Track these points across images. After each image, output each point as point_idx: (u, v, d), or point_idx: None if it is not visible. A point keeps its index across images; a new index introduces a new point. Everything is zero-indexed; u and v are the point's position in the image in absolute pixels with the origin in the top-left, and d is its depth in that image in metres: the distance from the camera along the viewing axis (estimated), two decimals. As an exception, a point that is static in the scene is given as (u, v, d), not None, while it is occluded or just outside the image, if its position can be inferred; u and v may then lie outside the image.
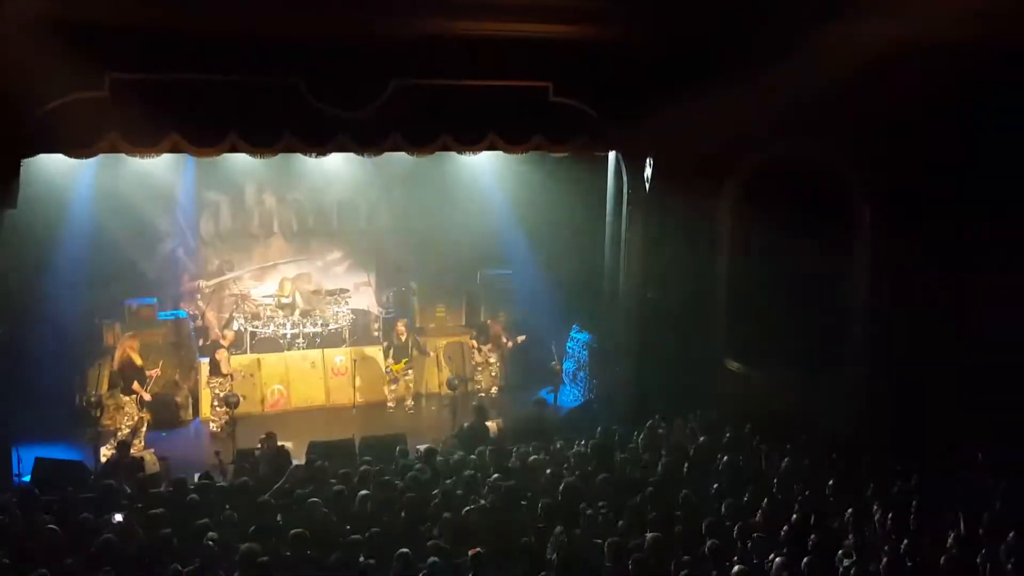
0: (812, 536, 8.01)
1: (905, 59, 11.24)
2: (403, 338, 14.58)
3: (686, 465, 10.24)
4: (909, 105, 11.57)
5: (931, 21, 10.81)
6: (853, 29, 11.26)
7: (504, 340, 15.15)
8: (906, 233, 12.28)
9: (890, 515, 8.62)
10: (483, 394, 14.87)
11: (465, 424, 12.38)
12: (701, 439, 11.02)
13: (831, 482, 9.53)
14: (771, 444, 10.86)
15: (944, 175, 12.06)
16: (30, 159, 11.20)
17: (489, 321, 15.38)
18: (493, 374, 15.24)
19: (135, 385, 12.48)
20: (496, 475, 9.70)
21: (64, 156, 11.51)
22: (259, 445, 11.29)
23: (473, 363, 15.25)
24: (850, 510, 8.69)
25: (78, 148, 11.27)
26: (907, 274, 12.32)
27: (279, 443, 11.41)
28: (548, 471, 10.04)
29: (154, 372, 12.95)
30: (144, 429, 12.60)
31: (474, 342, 15.16)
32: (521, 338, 15.11)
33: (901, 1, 10.97)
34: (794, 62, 11.30)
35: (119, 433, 12.22)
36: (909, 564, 7.71)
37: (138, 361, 12.68)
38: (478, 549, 7.70)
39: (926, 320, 12.27)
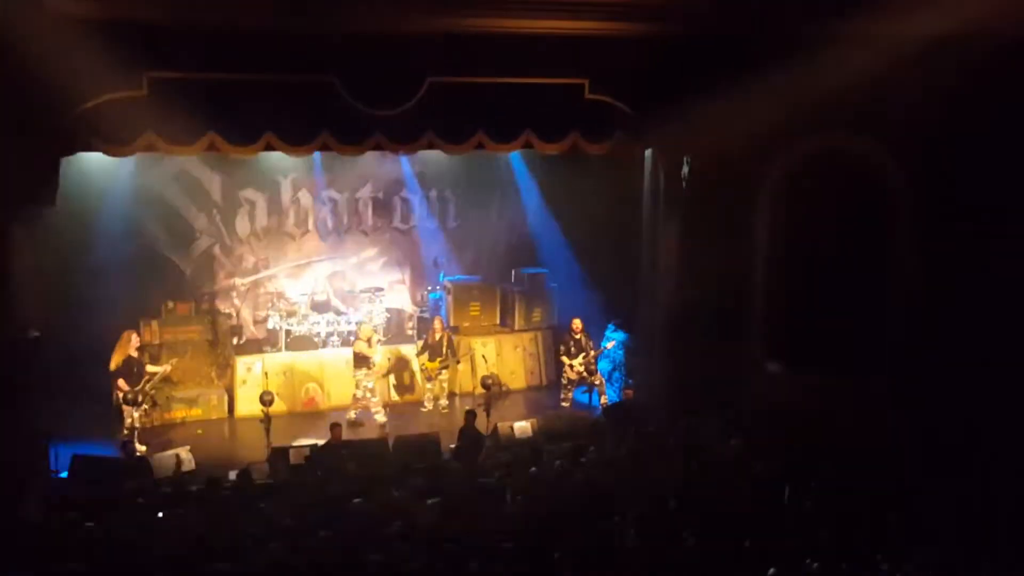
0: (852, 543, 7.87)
1: (946, 53, 11.03)
2: (438, 336, 14.52)
3: (719, 469, 10.12)
4: (950, 100, 11.38)
5: (973, 14, 10.62)
6: (892, 22, 11.08)
7: (587, 343, 14.44)
8: (948, 229, 12.06)
9: (930, 525, 8.45)
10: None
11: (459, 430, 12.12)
12: (733, 442, 10.86)
13: (870, 489, 9.35)
14: (809, 449, 10.69)
15: (985, 170, 11.83)
16: (68, 157, 11.29)
17: (572, 323, 14.60)
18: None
19: (120, 382, 12.46)
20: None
21: (102, 154, 11.59)
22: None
23: (565, 379, 14.66)
24: (891, 518, 8.52)
25: (116, 147, 11.36)
26: (949, 271, 12.09)
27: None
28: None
29: (165, 368, 13.01)
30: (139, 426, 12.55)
31: (565, 357, 14.58)
32: (611, 344, 14.60)
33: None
34: (832, 56, 11.17)
35: (123, 433, 12.27)
36: None
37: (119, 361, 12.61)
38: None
39: (970, 320, 12.03)
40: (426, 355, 14.44)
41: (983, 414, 11.53)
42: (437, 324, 14.59)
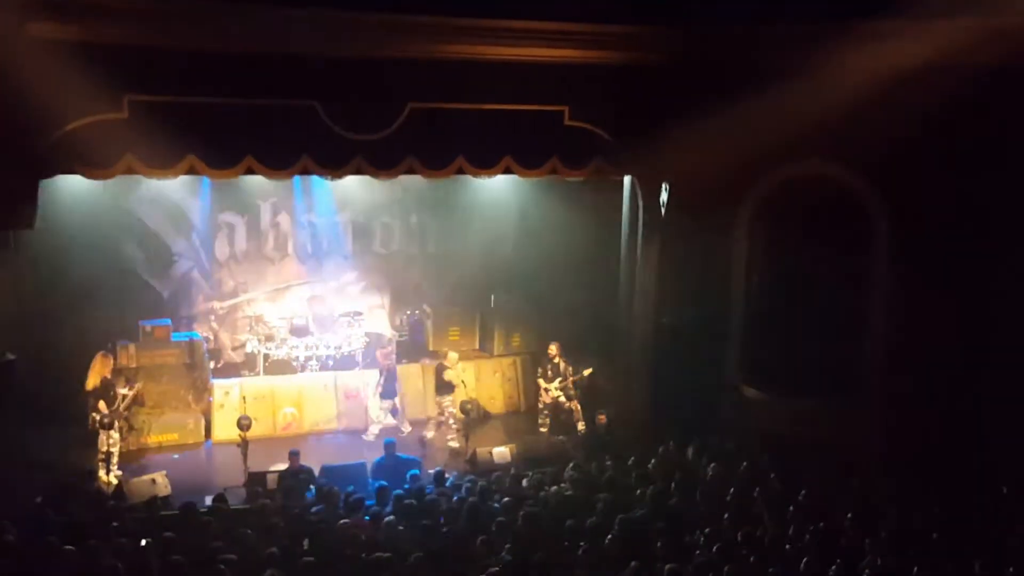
0: (833, 568, 7.92)
1: (920, 80, 11.23)
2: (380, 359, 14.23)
3: (698, 493, 10.15)
4: (926, 125, 11.58)
5: (946, 43, 10.85)
6: (869, 51, 11.29)
7: (565, 368, 14.27)
8: (924, 253, 12.23)
9: (910, 547, 8.51)
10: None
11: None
12: (711, 466, 10.92)
13: (849, 513, 9.41)
14: (788, 473, 10.75)
15: (962, 195, 12.02)
16: (48, 180, 11.25)
17: (549, 348, 14.45)
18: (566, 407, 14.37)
19: (100, 404, 12.24)
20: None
21: (82, 177, 11.56)
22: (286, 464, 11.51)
23: (542, 403, 14.49)
24: (867, 541, 8.58)
25: (96, 169, 11.34)
26: (926, 295, 12.25)
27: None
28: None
29: (137, 387, 12.87)
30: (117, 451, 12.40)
31: (541, 380, 14.44)
32: (588, 371, 14.37)
33: (915, 25, 11.01)
34: (809, 84, 11.37)
35: (98, 456, 12.14)
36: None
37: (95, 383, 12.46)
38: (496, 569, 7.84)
39: (947, 343, 12.17)
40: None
41: (964, 435, 11.68)
42: (380, 355, 14.30)
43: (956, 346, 12.20)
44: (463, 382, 14.05)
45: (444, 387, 14.00)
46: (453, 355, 14.24)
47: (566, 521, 9.16)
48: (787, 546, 8.64)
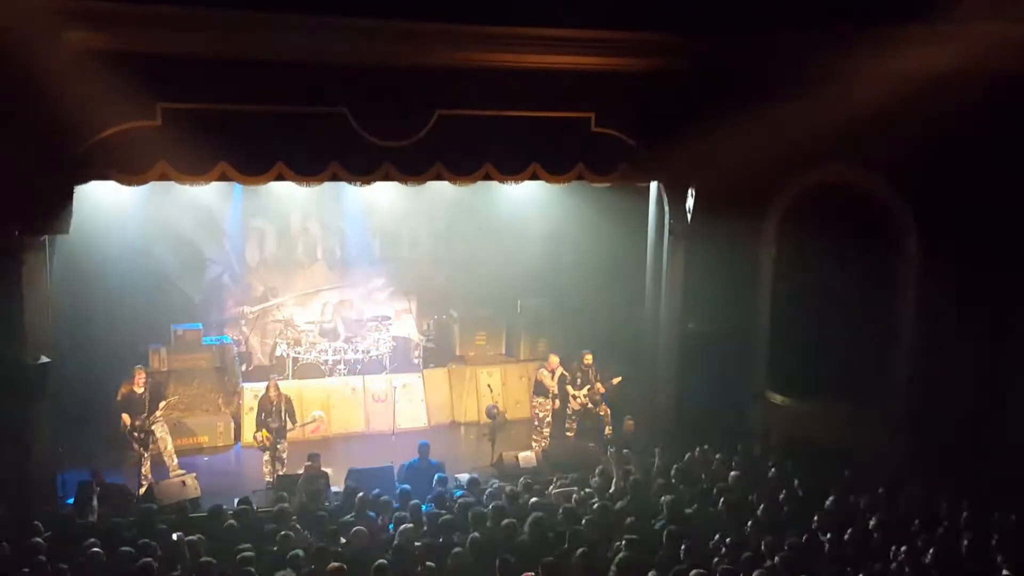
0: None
1: (949, 85, 11.18)
2: (274, 401, 12.74)
3: (723, 500, 10.14)
4: (954, 130, 11.51)
5: (974, 48, 10.80)
6: (896, 56, 11.26)
7: (594, 376, 14.00)
8: (952, 260, 12.15)
9: (937, 554, 8.47)
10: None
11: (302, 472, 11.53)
12: (734, 473, 10.90)
13: (874, 520, 9.38)
14: (814, 480, 10.72)
15: (991, 201, 11.94)
16: (82, 185, 11.46)
17: (584, 356, 14.12)
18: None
19: (124, 416, 12.19)
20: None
21: (116, 183, 11.75)
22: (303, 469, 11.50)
23: (570, 409, 14.19)
24: (893, 548, 8.55)
25: (129, 175, 11.49)
26: (953, 302, 12.17)
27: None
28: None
29: (171, 401, 12.90)
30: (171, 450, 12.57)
31: (569, 387, 14.16)
32: (617, 380, 14.03)
33: (943, 30, 10.96)
34: (836, 89, 11.34)
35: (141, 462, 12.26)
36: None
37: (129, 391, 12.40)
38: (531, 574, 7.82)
39: (973, 350, 12.09)
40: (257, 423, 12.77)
41: (992, 441, 11.58)
42: (273, 388, 12.90)
43: (985, 352, 12.11)
44: (489, 386, 14.11)
45: (540, 389, 14.03)
46: (554, 358, 14.23)
47: (591, 526, 9.21)
48: (811, 553, 8.61)
